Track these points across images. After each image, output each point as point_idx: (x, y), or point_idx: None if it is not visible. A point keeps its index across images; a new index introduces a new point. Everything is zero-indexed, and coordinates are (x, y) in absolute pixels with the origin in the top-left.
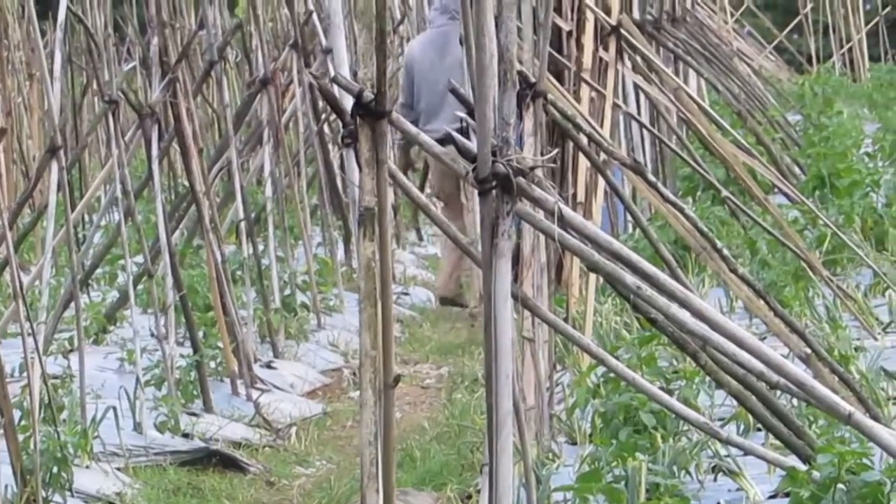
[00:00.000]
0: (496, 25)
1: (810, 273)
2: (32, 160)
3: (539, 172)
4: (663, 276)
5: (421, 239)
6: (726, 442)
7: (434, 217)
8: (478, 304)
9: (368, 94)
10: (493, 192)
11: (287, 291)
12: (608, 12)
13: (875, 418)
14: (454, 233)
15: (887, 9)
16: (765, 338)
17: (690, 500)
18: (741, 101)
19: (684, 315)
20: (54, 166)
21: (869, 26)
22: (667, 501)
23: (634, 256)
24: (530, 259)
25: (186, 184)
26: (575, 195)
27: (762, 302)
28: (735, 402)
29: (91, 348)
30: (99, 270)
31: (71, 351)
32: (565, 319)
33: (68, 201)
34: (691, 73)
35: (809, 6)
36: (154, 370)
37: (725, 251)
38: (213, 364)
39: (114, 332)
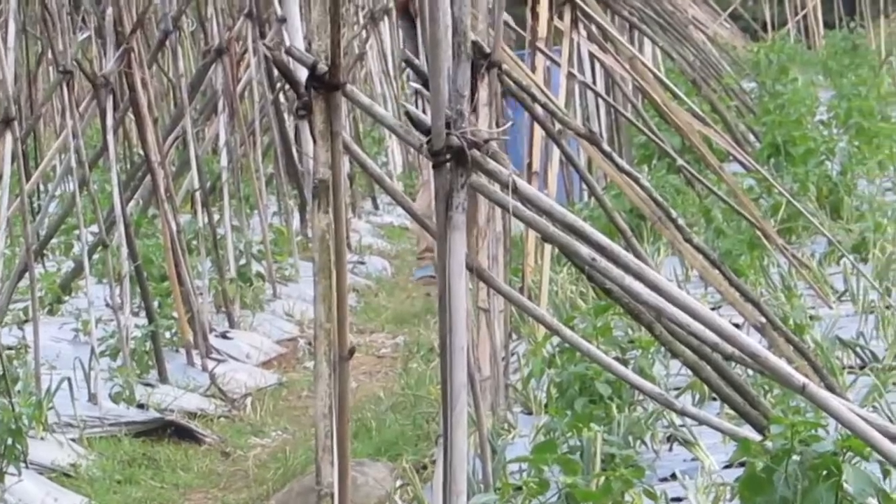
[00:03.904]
0: None
1: (765, 241)
2: None
3: (494, 144)
4: (617, 248)
5: (377, 208)
6: (681, 412)
7: (388, 188)
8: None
9: (322, 66)
10: (448, 164)
11: (242, 261)
12: None
13: (830, 388)
14: (409, 204)
15: None
16: (720, 307)
17: (646, 471)
18: (696, 69)
19: (639, 286)
20: (8, 137)
21: None
22: (622, 472)
23: (589, 228)
24: (485, 229)
25: (141, 153)
26: (530, 165)
27: (717, 271)
28: (690, 372)
29: (46, 319)
30: (54, 240)
31: (25, 321)
32: (520, 289)
33: (23, 171)
34: (646, 41)
35: None
36: (109, 341)
37: (680, 220)
38: (168, 334)
39: (68, 302)
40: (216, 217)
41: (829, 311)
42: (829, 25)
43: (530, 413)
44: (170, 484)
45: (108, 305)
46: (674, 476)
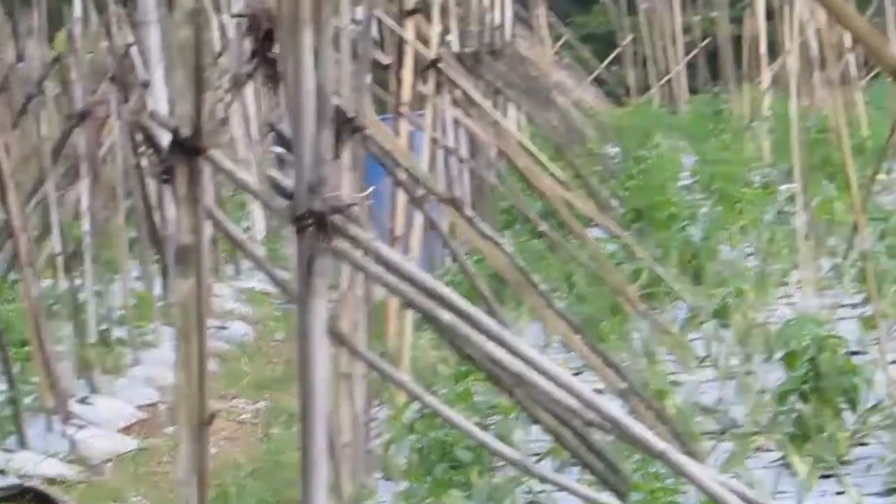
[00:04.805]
0: (315, 61)
1: (627, 307)
2: None
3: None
4: (479, 314)
5: (239, 272)
6: (541, 478)
7: (250, 254)
8: None
9: (185, 131)
10: (309, 229)
11: (104, 326)
12: (427, 45)
13: (690, 453)
14: (270, 269)
15: (706, 40)
16: (582, 372)
17: None
18: (560, 133)
19: (500, 352)
20: None
21: (688, 58)
22: None
23: (450, 293)
24: (347, 294)
25: (3, 217)
26: (393, 230)
27: (579, 337)
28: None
29: None
30: None
31: None
32: (382, 354)
33: None
34: (511, 105)
35: (629, 38)
36: None
37: (542, 286)
38: (28, 399)
39: None
40: (78, 282)
41: (690, 377)
42: (693, 90)
43: (391, 479)
44: None
45: None
46: None
